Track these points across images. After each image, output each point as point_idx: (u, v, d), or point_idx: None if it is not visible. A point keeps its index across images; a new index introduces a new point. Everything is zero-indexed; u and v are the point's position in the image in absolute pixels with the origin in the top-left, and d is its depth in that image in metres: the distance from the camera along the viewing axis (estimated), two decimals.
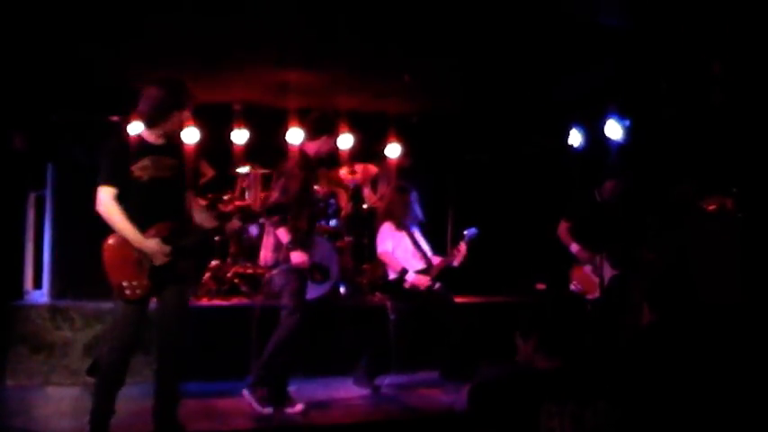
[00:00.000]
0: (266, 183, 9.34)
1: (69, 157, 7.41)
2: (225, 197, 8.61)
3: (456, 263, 6.75)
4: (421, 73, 8.02)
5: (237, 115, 9.77)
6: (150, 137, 4.63)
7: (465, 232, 6.78)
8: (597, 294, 6.93)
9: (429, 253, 6.96)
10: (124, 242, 4.45)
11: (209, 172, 9.85)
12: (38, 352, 6.62)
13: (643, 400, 2.83)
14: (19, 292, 7.24)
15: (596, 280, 6.94)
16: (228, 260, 8.56)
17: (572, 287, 7.16)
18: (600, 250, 6.95)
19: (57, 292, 7.14)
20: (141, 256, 4.46)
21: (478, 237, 6.80)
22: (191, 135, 9.65)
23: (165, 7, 6.60)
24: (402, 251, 6.89)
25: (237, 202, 8.50)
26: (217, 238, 8.63)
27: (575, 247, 7.12)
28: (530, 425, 2.61)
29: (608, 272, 6.93)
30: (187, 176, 4.88)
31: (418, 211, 7.02)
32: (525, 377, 2.79)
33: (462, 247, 6.72)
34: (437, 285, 6.79)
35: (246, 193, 8.79)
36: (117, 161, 4.52)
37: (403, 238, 6.91)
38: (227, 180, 9.16)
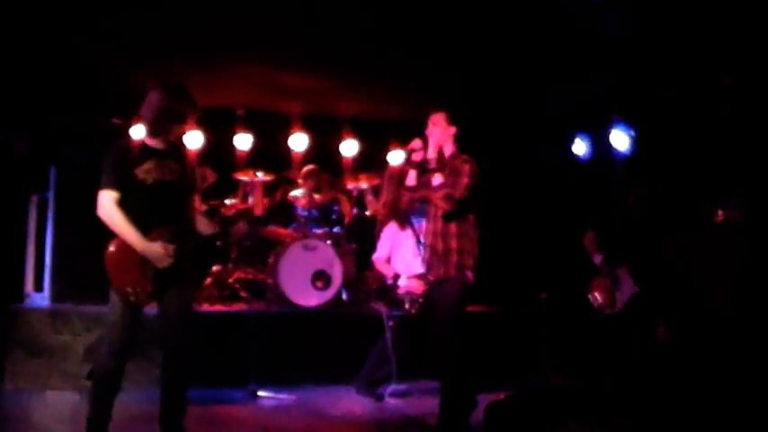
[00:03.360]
0: (268, 188, 9.31)
1: (71, 160, 7.36)
2: (227, 202, 8.55)
3: None
4: (424, 80, 7.99)
5: (240, 120, 9.74)
6: (152, 142, 4.59)
7: None
8: (614, 309, 6.81)
9: None
10: (126, 247, 4.40)
11: (211, 177, 9.81)
12: (37, 356, 6.57)
13: (665, 419, 2.78)
14: (20, 294, 7.19)
15: (615, 294, 6.78)
16: (230, 265, 8.50)
17: (591, 298, 7.02)
18: (620, 264, 6.83)
19: (57, 295, 7.08)
20: (144, 260, 4.42)
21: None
22: (193, 139, 9.64)
23: (167, 9, 6.58)
24: (404, 253, 6.80)
25: (240, 206, 8.44)
26: (218, 244, 8.58)
27: (598, 258, 7.01)
28: None
29: (628, 288, 6.79)
30: (190, 181, 4.84)
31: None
32: (542, 394, 2.74)
33: None
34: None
35: (249, 198, 8.73)
36: (119, 165, 4.46)
37: (407, 238, 6.81)
38: (229, 185, 9.11)
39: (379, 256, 6.98)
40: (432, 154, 5.50)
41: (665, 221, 7.15)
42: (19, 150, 7.40)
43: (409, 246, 6.79)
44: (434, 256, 5.43)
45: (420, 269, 6.56)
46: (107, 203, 4.41)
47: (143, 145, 4.58)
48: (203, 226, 4.81)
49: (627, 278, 6.75)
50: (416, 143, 5.53)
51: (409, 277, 6.58)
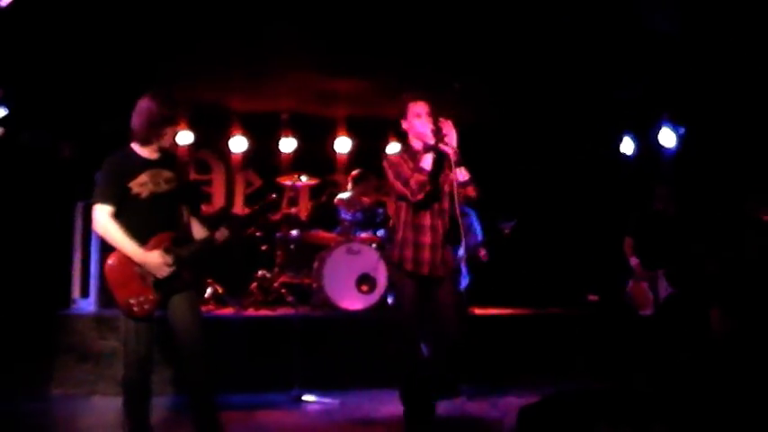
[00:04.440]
0: (313, 192, 9.27)
1: None
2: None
3: None
4: (471, 81, 7.89)
5: (285, 124, 9.75)
6: (143, 152, 4.53)
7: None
8: (650, 311, 6.78)
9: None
10: (124, 259, 4.37)
11: (256, 181, 9.86)
12: (84, 361, 6.62)
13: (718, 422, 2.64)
14: (67, 300, 7.26)
15: (651, 297, 6.79)
16: (275, 270, 8.49)
17: (627, 300, 7.03)
18: (657, 267, 6.78)
19: (103, 301, 7.11)
20: (143, 270, 4.39)
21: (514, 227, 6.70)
22: (239, 144, 9.70)
23: (212, 19, 6.60)
24: None
25: (285, 211, 8.43)
26: (264, 248, 8.58)
27: (633, 261, 7.07)
28: None
29: (664, 290, 6.79)
30: (185, 186, 4.79)
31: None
32: (576, 398, 2.64)
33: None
34: None
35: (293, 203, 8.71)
36: (114, 178, 4.42)
37: None
38: (274, 189, 9.10)
39: None
40: (453, 145, 4.96)
41: (699, 218, 7.09)
42: (64, 157, 7.48)
43: None
44: (433, 253, 5.04)
45: None
46: (103, 218, 4.37)
47: (136, 156, 4.50)
48: (198, 231, 4.77)
49: (663, 281, 6.74)
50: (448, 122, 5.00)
51: None
